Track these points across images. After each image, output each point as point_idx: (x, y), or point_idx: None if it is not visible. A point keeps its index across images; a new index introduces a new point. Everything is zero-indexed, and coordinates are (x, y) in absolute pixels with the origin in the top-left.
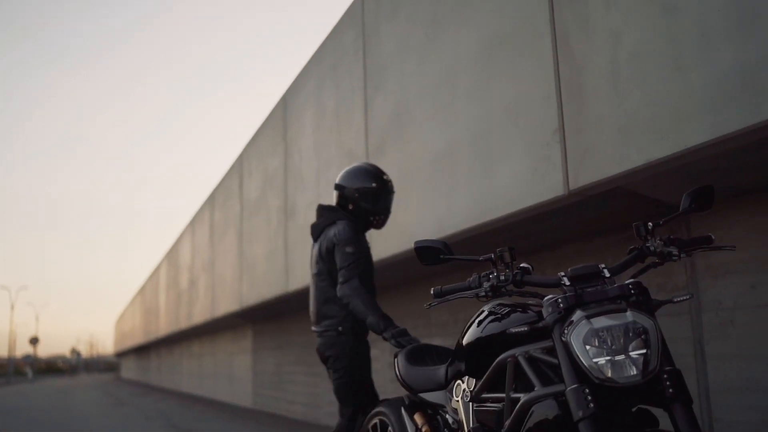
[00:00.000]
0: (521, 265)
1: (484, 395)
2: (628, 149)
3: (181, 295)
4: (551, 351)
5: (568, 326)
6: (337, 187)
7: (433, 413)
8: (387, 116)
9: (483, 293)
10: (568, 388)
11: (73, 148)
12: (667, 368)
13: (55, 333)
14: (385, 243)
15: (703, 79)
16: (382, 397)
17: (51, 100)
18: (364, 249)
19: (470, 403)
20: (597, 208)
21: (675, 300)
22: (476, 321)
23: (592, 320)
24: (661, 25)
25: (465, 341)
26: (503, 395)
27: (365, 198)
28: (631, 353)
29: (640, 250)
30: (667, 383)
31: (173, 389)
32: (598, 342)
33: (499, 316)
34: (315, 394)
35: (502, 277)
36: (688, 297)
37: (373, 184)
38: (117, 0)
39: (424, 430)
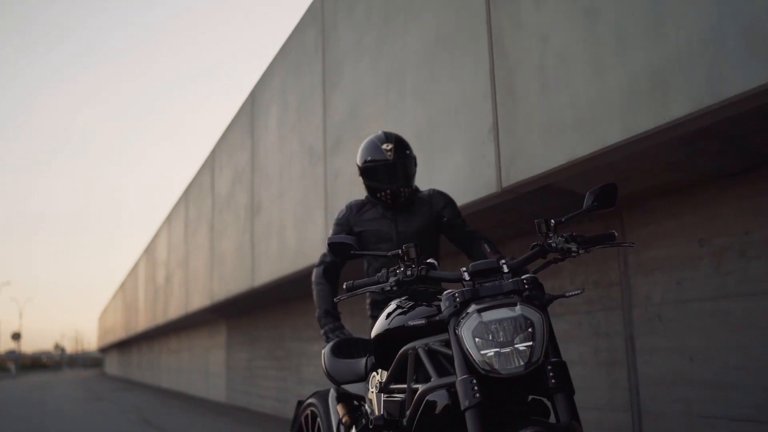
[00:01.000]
0: (427, 260)
1: (391, 386)
2: (554, 148)
3: (158, 291)
4: (449, 343)
5: (462, 319)
6: None
7: (356, 404)
8: (343, 113)
9: (389, 287)
10: (458, 379)
11: (58, 146)
12: (553, 360)
13: (40, 329)
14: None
15: (619, 81)
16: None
17: (36, 99)
18: (341, 231)
19: (380, 394)
20: (532, 205)
21: (567, 294)
22: (385, 314)
23: (483, 314)
24: (583, 28)
25: (373, 334)
26: (404, 386)
27: (365, 175)
28: (517, 346)
29: (541, 247)
30: (551, 374)
31: (153, 384)
32: (487, 335)
33: (404, 309)
34: (284, 388)
35: (409, 273)
36: (579, 292)
37: (368, 158)
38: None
39: (344, 420)
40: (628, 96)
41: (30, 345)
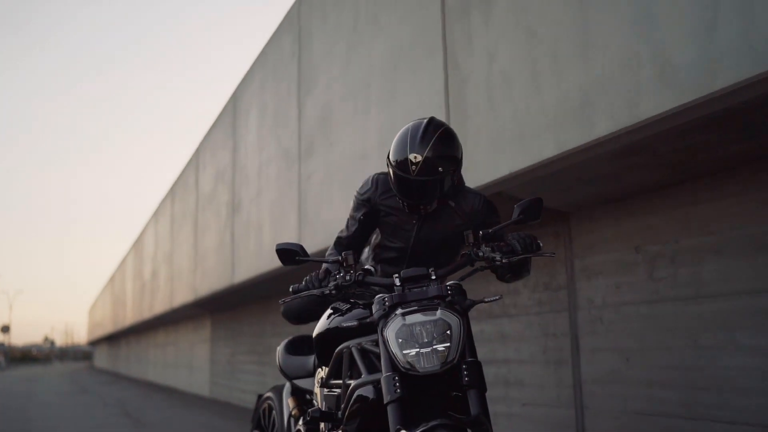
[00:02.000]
0: (365, 267)
1: (330, 381)
2: (498, 159)
3: (144, 286)
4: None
5: (389, 322)
6: None
7: (307, 398)
8: (316, 118)
9: (328, 291)
10: (382, 376)
11: (46, 138)
12: (468, 360)
13: (30, 321)
14: (314, 237)
15: (554, 99)
16: None
17: (21, 89)
18: (362, 209)
19: (322, 388)
20: None
21: (486, 300)
22: (325, 316)
23: (406, 317)
24: (524, 49)
25: (314, 334)
26: (341, 381)
27: (393, 175)
28: (435, 346)
29: (468, 256)
30: (465, 373)
31: (140, 378)
32: (409, 336)
33: (342, 311)
34: (264, 383)
35: (348, 278)
36: (498, 298)
37: (393, 160)
38: None
39: (293, 413)
40: (561, 114)
41: (20, 338)
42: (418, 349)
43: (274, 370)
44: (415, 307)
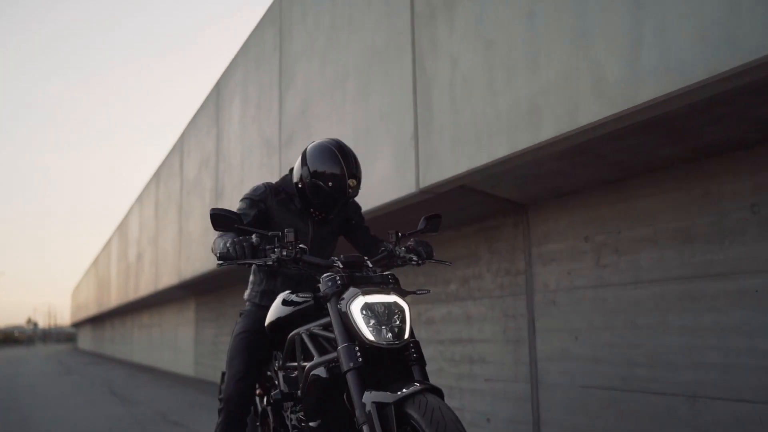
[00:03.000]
0: (300, 245)
1: (286, 365)
2: (459, 157)
3: (129, 268)
4: (326, 327)
5: (344, 298)
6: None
7: (268, 375)
8: (296, 111)
9: (270, 262)
10: (341, 346)
11: (30, 120)
12: (413, 339)
13: (13, 303)
14: None
15: (507, 104)
16: None
17: (2, 71)
18: (255, 207)
19: (280, 371)
20: (449, 203)
21: (418, 292)
22: (274, 306)
23: (366, 296)
24: (482, 56)
25: (267, 323)
26: (296, 364)
27: (310, 188)
28: (392, 324)
29: (389, 252)
30: (412, 350)
31: (125, 359)
32: (370, 312)
33: (289, 301)
34: None
35: (285, 253)
36: (426, 291)
37: (326, 181)
38: None
39: (258, 392)
40: (513, 117)
41: (2, 320)
42: (381, 326)
43: None
44: (372, 288)
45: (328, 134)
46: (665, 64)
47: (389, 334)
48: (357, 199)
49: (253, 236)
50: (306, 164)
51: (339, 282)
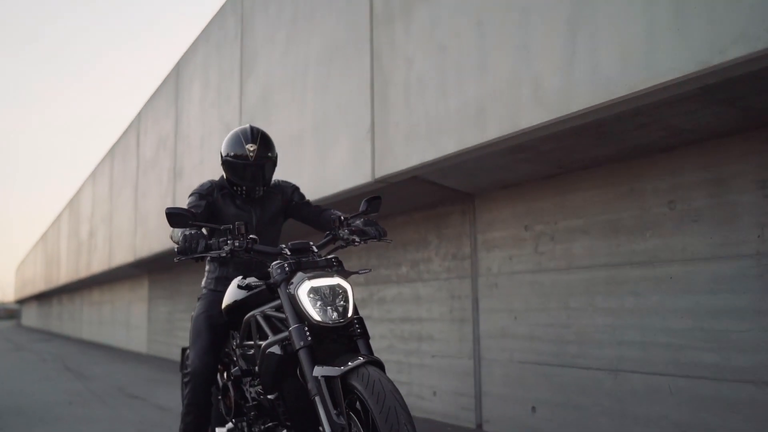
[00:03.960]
0: (250, 236)
1: (243, 344)
2: (411, 151)
3: (81, 245)
4: (279, 309)
5: (292, 284)
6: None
7: (225, 351)
8: (256, 98)
9: (224, 254)
10: (292, 327)
11: None
12: (357, 317)
13: None
14: None
15: (456, 105)
16: None
17: None
18: (203, 200)
19: (238, 349)
20: (403, 191)
21: (360, 272)
22: (229, 291)
23: (312, 281)
24: (435, 59)
25: (223, 306)
26: (253, 343)
27: (226, 167)
28: (336, 304)
29: (333, 235)
30: (356, 326)
31: (73, 336)
32: (316, 295)
33: (243, 286)
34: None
35: (237, 244)
36: (368, 271)
37: (231, 153)
38: None
39: (220, 368)
40: (462, 117)
41: None
42: (324, 306)
43: None
44: (317, 273)
45: (288, 122)
46: (594, 80)
47: (334, 314)
48: (315, 185)
49: (204, 230)
50: (220, 153)
51: (287, 269)
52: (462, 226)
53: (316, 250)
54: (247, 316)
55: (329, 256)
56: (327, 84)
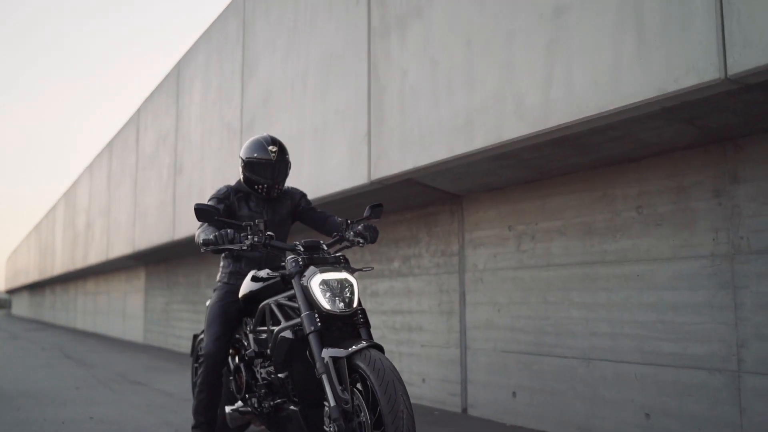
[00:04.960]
0: (268, 233)
1: (257, 329)
2: (405, 156)
3: (77, 237)
4: (291, 298)
5: (305, 276)
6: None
7: (237, 337)
8: (258, 100)
9: (245, 247)
10: (303, 314)
11: None
12: (360, 308)
13: None
14: None
15: (447, 115)
16: None
17: None
18: (221, 203)
19: (251, 334)
20: (397, 192)
21: (364, 269)
22: (246, 281)
23: (323, 274)
24: (428, 72)
25: (240, 295)
26: (266, 328)
27: (249, 168)
28: (344, 296)
29: (340, 236)
30: (360, 316)
31: (67, 326)
32: (326, 287)
33: (258, 278)
34: (198, 329)
35: (256, 239)
36: (370, 269)
37: (254, 155)
38: None
39: (231, 352)
40: (452, 127)
41: None
42: (332, 297)
43: None
44: (327, 267)
45: (288, 124)
46: (569, 99)
47: (341, 304)
48: (314, 185)
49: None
50: (240, 157)
51: (301, 263)
52: (450, 225)
53: (325, 247)
54: (262, 304)
55: (337, 254)
56: (326, 90)
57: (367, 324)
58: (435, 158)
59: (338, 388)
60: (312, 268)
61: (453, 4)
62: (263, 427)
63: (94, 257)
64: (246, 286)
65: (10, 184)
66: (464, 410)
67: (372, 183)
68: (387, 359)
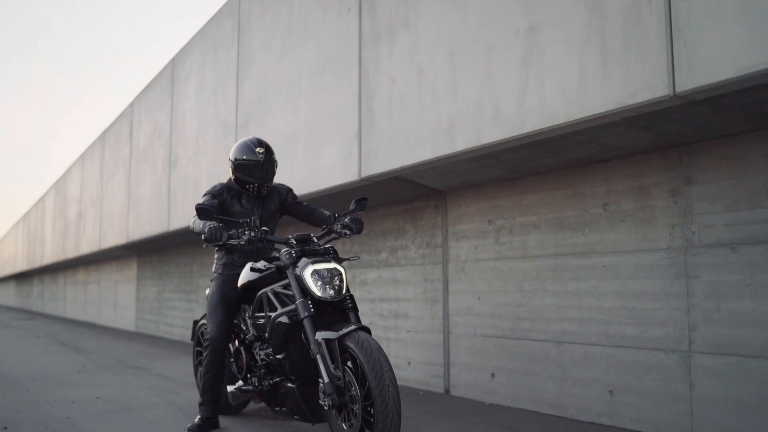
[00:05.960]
0: (263, 228)
1: (255, 315)
2: (393, 156)
3: (68, 226)
4: (286, 287)
5: (298, 266)
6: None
7: (234, 323)
8: (252, 99)
9: (242, 242)
10: (298, 301)
11: None
12: (349, 294)
13: None
14: None
15: (432, 120)
16: None
17: None
18: (215, 199)
19: (249, 320)
20: (385, 188)
21: (351, 258)
22: (244, 272)
23: (314, 264)
24: (415, 79)
25: (239, 284)
26: (263, 314)
27: (239, 169)
28: (333, 284)
29: (329, 229)
30: (348, 301)
31: (56, 315)
32: (317, 276)
33: (255, 269)
34: (191, 318)
35: (253, 234)
36: (357, 258)
37: (243, 156)
38: None
39: (231, 337)
40: (436, 131)
41: None
42: (323, 285)
43: (200, 306)
44: (318, 259)
45: (283, 123)
46: (541, 108)
47: (332, 291)
48: (307, 181)
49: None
50: (230, 159)
51: (294, 255)
52: (435, 219)
53: (316, 240)
54: (259, 293)
55: (326, 246)
56: (319, 92)
57: (355, 308)
58: (421, 158)
59: (331, 366)
60: (304, 259)
61: (438, 16)
62: (262, 403)
63: (87, 247)
64: (245, 276)
65: None
66: (447, 391)
67: (362, 180)
68: (374, 340)
